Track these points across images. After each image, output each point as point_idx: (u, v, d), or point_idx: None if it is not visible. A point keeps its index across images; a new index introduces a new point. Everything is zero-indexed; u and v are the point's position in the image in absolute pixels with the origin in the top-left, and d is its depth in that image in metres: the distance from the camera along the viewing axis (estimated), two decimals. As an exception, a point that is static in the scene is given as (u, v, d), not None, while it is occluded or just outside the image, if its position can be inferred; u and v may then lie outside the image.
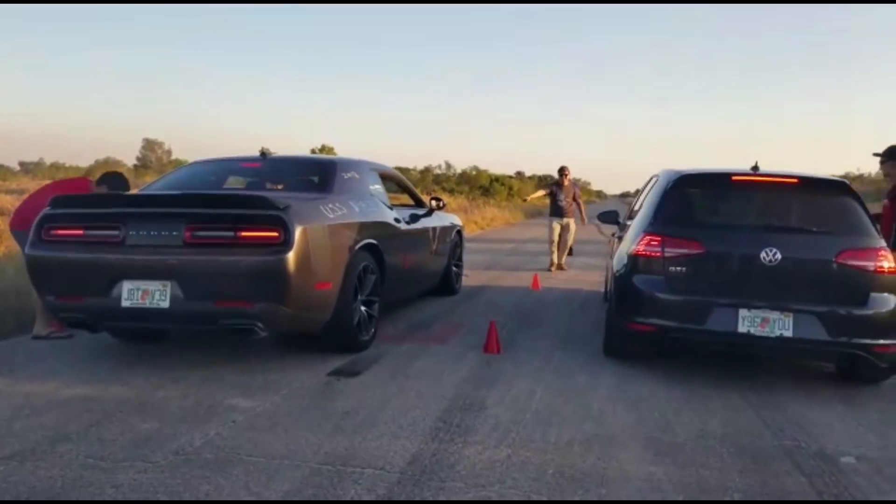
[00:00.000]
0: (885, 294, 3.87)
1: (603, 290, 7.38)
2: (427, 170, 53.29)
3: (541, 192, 11.07)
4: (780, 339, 3.82)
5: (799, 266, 3.92)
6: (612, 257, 5.54)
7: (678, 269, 4.05)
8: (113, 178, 5.07)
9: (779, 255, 3.88)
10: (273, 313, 3.73)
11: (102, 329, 4.15)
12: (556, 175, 10.46)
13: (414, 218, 5.78)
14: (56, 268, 3.84)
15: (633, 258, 4.22)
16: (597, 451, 2.92)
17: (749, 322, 3.85)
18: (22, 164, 58.33)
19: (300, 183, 4.93)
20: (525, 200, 10.92)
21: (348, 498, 2.40)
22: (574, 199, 10.28)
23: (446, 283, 6.94)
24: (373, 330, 4.65)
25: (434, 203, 6.43)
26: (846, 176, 5.32)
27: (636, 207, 5.41)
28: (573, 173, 10.53)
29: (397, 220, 5.30)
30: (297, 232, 3.71)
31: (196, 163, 5.51)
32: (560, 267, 10.19)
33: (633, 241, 4.31)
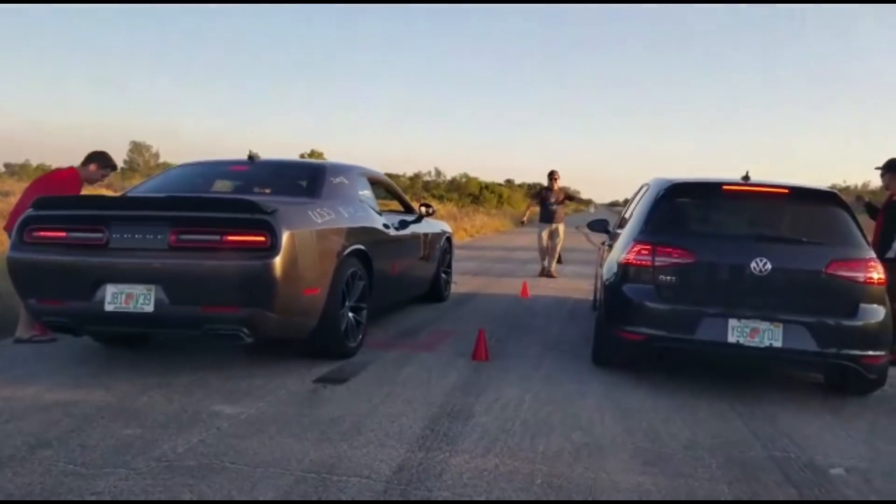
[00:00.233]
0: (875, 305, 3.89)
1: (592, 298, 7.39)
2: (417, 176, 53.36)
3: (532, 206, 10.89)
4: (770, 350, 3.82)
5: (789, 276, 3.93)
6: (601, 266, 5.54)
7: (668, 278, 4.04)
8: (99, 155, 5.03)
9: (769, 266, 3.88)
10: (259, 319, 3.68)
11: (85, 333, 4.08)
12: (545, 182, 10.47)
13: (403, 224, 5.75)
14: (38, 271, 3.77)
15: (623, 267, 4.21)
16: (585, 461, 2.89)
17: (739, 332, 3.85)
18: (7, 165, 57.78)
19: (288, 187, 4.88)
20: (523, 223, 10.82)
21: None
22: (563, 199, 10.29)
23: (435, 290, 6.91)
24: (360, 336, 4.61)
25: (423, 209, 6.40)
26: (832, 188, 5.38)
27: (626, 216, 5.42)
28: (563, 181, 10.55)
29: (386, 227, 5.26)
30: (285, 237, 3.67)
31: (183, 165, 5.45)
32: (550, 274, 10.19)
33: (623, 249, 4.30)
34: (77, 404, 3.34)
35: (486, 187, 48.24)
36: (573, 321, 6.41)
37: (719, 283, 4.02)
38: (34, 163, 56.86)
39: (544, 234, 10.29)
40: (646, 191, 4.90)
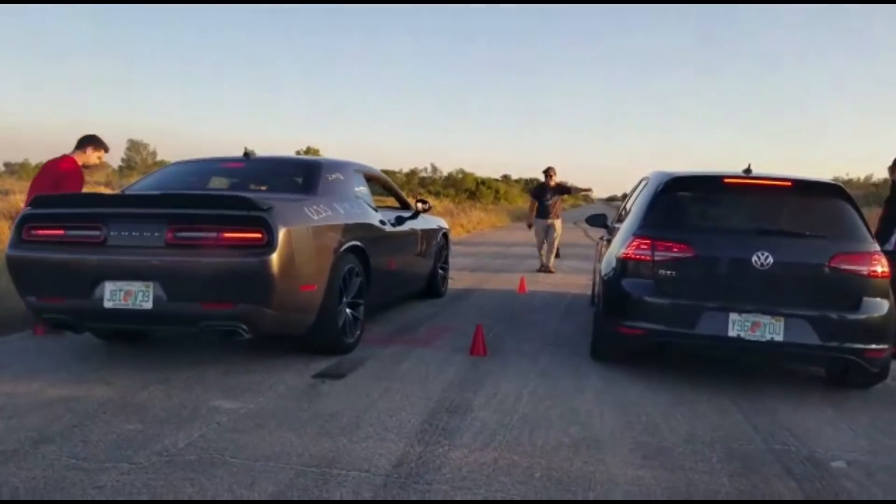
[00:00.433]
0: (878, 298, 3.87)
1: (589, 293, 7.40)
2: (413, 172, 53.27)
3: (535, 204, 10.80)
4: (771, 344, 3.81)
5: (791, 270, 3.91)
6: (599, 261, 5.54)
7: (668, 272, 4.04)
8: (92, 137, 5.10)
9: (771, 259, 3.87)
10: (257, 315, 3.68)
11: (85, 330, 4.08)
12: (542, 178, 10.47)
13: (399, 220, 5.75)
14: (37, 268, 3.76)
15: (623, 261, 4.21)
16: (584, 455, 2.90)
17: (739, 326, 3.84)
18: (7, 164, 57.60)
19: (284, 184, 4.88)
20: (530, 226, 10.67)
21: (334, 500, 2.36)
22: (557, 193, 10.26)
23: (432, 286, 6.91)
24: (358, 332, 4.61)
25: (420, 205, 6.40)
26: (835, 181, 5.38)
27: (625, 210, 5.41)
28: (560, 176, 10.54)
29: (382, 223, 5.26)
30: (281, 233, 3.67)
31: (179, 163, 5.44)
32: (548, 269, 10.21)
33: (622, 244, 4.29)
34: (79, 400, 3.34)
35: (483, 183, 48.15)
36: (571, 316, 6.41)
37: (720, 277, 4.00)
38: (33, 161, 56.72)
39: (540, 230, 10.32)
40: (645, 184, 4.89)
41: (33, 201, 3.92)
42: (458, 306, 6.68)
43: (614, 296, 4.26)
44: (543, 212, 10.20)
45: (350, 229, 4.53)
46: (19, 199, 13.48)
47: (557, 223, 10.24)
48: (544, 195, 10.24)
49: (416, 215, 6.22)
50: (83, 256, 3.69)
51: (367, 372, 4.06)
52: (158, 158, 60.43)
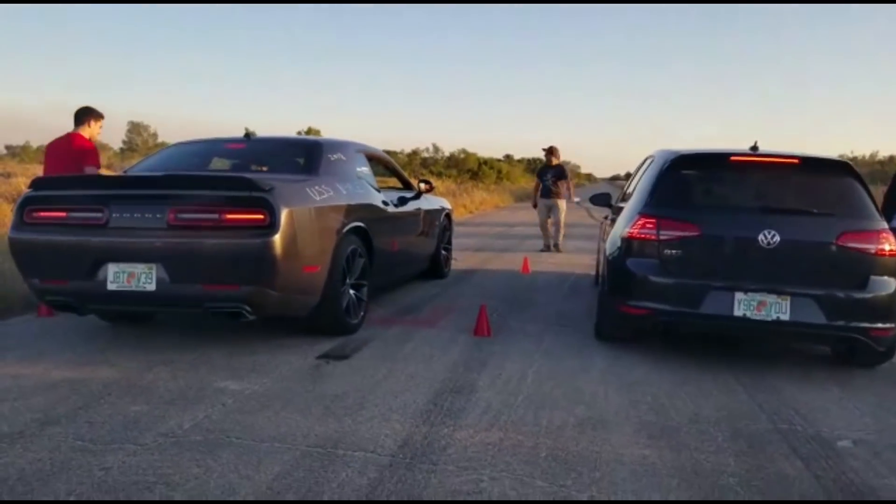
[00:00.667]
0: (885, 277, 3.83)
1: (594, 273, 7.37)
2: (415, 153, 52.99)
3: (537, 183, 10.83)
4: (777, 323, 3.79)
5: (798, 248, 3.86)
6: (603, 240, 5.51)
7: (673, 251, 4.01)
8: (89, 109, 5.16)
9: (777, 238, 3.83)
10: (260, 296, 3.67)
11: (89, 312, 4.08)
12: (545, 158, 10.44)
13: (402, 201, 5.71)
14: (39, 251, 3.75)
15: (628, 241, 4.17)
16: (589, 435, 2.89)
17: (745, 305, 3.82)
18: (9, 147, 57.40)
19: (285, 164, 4.84)
20: (535, 206, 10.77)
21: (340, 480, 2.36)
22: (565, 179, 10.27)
23: (435, 267, 6.89)
24: (362, 313, 4.60)
25: (422, 186, 6.36)
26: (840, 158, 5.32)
27: (630, 189, 5.37)
28: (564, 156, 10.51)
29: (385, 203, 5.23)
30: (283, 214, 3.65)
31: (180, 144, 5.40)
32: (556, 248, 10.27)
33: (627, 223, 4.26)
34: (84, 381, 3.35)
35: (485, 163, 47.96)
36: (575, 296, 6.40)
37: (726, 256, 3.97)
38: (35, 144, 56.58)
39: (543, 209, 10.37)
40: (650, 163, 4.84)
41: (34, 183, 3.89)
42: (462, 287, 6.67)
43: (619, 275, 4.23)
44: (545, 191, 10.26)
45: (353, 210, 4.50)
46: (21, 182, 13.46)
47: (560, 203, 10.23)
48: (546, 175, 10.30)
49: (418, 195, 6.18)
50: (85, 238, 3.68)
51: (372, 353, 4.05)
52: (159, 140, 60.23)
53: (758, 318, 3.81)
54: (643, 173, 4.90)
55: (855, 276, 3.83)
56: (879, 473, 2.66)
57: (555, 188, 10.17)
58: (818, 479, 2.58)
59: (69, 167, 4.77)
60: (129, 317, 4.58)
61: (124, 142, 60.34)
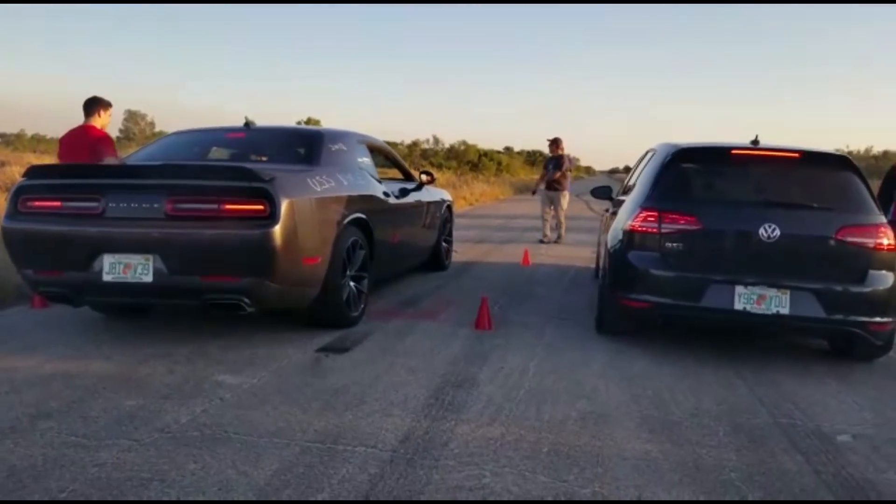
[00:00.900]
0: (883, 271, 3.84)
1: (594, 266, 7.34)
2: (415, 144, 52.84)
3: (542, 173, 10.93)
4: (777, 317, 3.78)
5: (798, 242, 3.87)
6: (604, 233, 5.48)
7: (674, 245, 3.98)
8: (98, 99, 5.18)
9: (777, 232, 3.82)
10: (259, 288, 3.64)
11: (84, 304, 4.04)
12: (545, 150, 10.55)
13: (403, 192, 5.67)
14: (34, 241, 3.71)
15: (629, 234, 4.14)
16: (591, 429, 2.88)
17: (745, 299, 3.81)
18: (3, 135, 57.07)
19: (286, 154, 4.79)
20: (533, 193, 11.02)
21: (340, 476, 2.34)
22: (560, 170, 10.29)
23: (436, 259, 6.86)
24: (362, 306, 4.57)
25: (423, 177, 6.31)
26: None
27: (631, 182, 5.33)
28: (567, 148, 10.58)
29: (386, 194, 5.19)
30: (284, 205, 3.61)
31: (178, 133, 5.35)
32: (549, 239, 10.33)
33: (629, 216, 4.23)
34: (78, 375, 3.31)
35: (485, 155, 47.88)
36: (575, 289, 6.37)
37: (727, 250, 3.96)
38: (29, 132, 56.33)
39: (544, 200, 10.51)
40: (652, 156, 4.81)
41: (29, 172, 3.84)
42: (462, 279, 6.64)
43: (620, 268, 4.21)
44: (548, 184, 10.32)
45: (354, 201, 4.46)
46: (16, 171, 13.38)
47: (561, 196, 10.28)
48: (549, 166, 10.42)
49: (419, 187, 6.14)
50: (81, 228, 3.63)
51: (372, 346, 4.03)
52: (157, 129, 59.95)
53: (758, 311, 3.80)
54: (644, 166, 4.86)
55: (854, 270, 3.82)
56: (879, 468, 2.65)
57: (556, 180, 10.21)
58: (818, 473, 2.57)
59: (85, 158, 4.77)
60: (125, 309, 4.54)
61: (121, 130, 60.00)
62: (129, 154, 5.19)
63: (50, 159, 22.83)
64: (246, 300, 3.64)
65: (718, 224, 3.98)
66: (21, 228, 3.70)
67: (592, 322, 4.76)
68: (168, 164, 4.15)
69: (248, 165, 3.92)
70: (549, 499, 2.27)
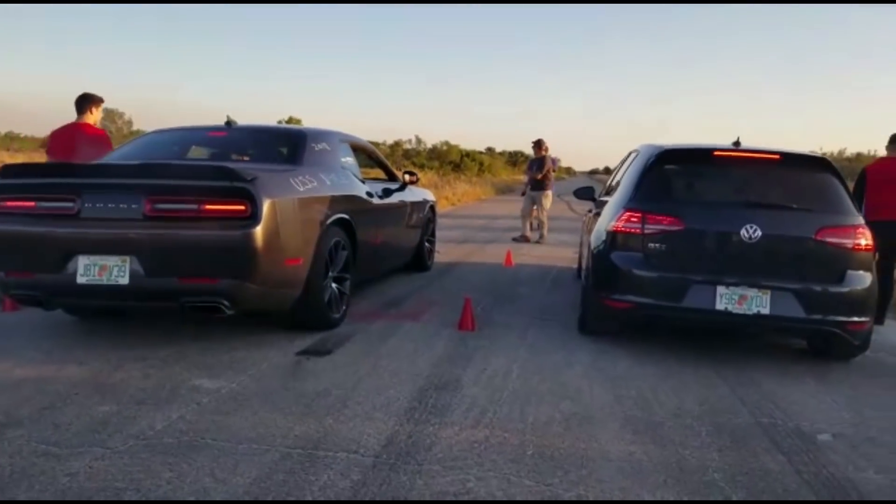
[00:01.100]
0: (861, 272, 3.88)
1: (576, 266, 7.36)
2: (397, 144, 52.71)
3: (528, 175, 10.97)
4: (758, 317, 3.80)
5: (778, 243, 3.90)
6: (587, 234, 5.48)
7: (657, 245, 3.99)
8: (90, 95, 5.18)
9: (759, 232, 3.85)
10: (240, 290, 3.57)
11: (57, 307, 3.94)
12: (527, 151, 10.68)
13: (387, 192, 5.63)
14: (5, 242, 3.60)
15: (612, 234, 4.15)
16: (575, 431, 2.86)
17: (727, 299, 3.82)
18: (-20, 135, 55.87)
19: (268, 154, 4.73)
20: (523, 194, 11.12)
21: (322, 482, 2.29)
22: (542, 171, 10.38)
23: (419, 260, 6.82)
24: (344, 307, 4.52)
25: (407, 177, 6.27)
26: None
27: (614, 183, 5.34)
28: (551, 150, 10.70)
29: (370, 195, 5.14)
30: (265, 205, 3.55)
31: (157, 132, 5.25)
32: (528, 239, 10.38)
33: (612, 217, 4.23)
34: (49, 380, 3.22)
35: (468, 155, 47.89)
36: (558, 289, 6.37)
37: (709, 251, 3.98)
38: (2, 130, 55.23)
39: (526, 201, 10.65)
40: (635, 157, 4.82)
41: (2, 171, 3.74)
42: (445, 280, 6.61)
43: (603, 269, 4.21)
44: (532, 183, 10.50)
45: (337, 201, 4.41)
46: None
47: (542, 197, 10.41)
48: (531, 167, 10.57)
49: (403, 187, 6.09)
50: (55, 229, 3.54)
51: (354, 348, 3.98)
52: (134, 128, 59.13)
53: (739, 311, 3.82)
54: (628, 167, 4.87)
55: (833, 270, 3.86)
56: (859, 467, 2.67)
57: (537, 181, 10.35)
58: (800, 473, 2.58)
59: (79, 156, 4.72)
60: (99, 312, 4.44)
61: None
62: (106, 153, 5.09)
63: (23, 158, 22.42)
64: (226, 302, 3.57)
65: (701, 225, 4.00)
66: None
67: (575, 322, 4.76)
68: (147, 163, 4.07)
69: (230, 165, 3.85)
70: (536, 499, 2.24)
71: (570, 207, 18.63)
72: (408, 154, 48.79)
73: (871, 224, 4.07)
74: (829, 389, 3.64)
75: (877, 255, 4.21)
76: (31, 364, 3.48)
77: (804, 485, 2.48)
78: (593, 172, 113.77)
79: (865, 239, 3.89)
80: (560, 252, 9.20)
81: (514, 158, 66.00)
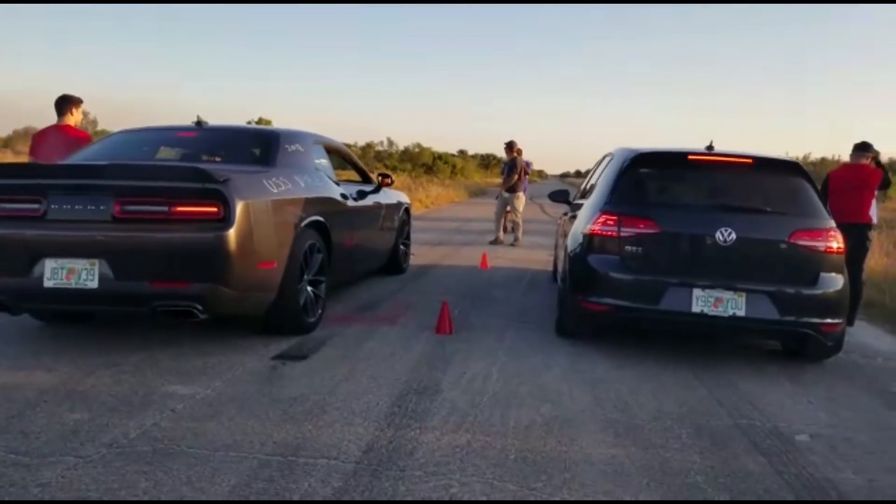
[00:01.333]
0: (833, 274, 3.96)
1: (551, 269, 7.38)
2: (369, 146, 52.52)
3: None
4: (733, 319, 3.85)
5: (753, 246, 3.95)
6: (562, 237, 5.50)
7: (634, 248, 4.02)
8: (69, 97, 5.15)
9: (733, 236, 3.89)
10: (213, 294, 3.49)
11: (23, 311, 3.82)
12: (500, 154, 10.79)
13: (361, 194, 5.57)
14: None
15: (589, 237, 4.16)
16: (557, 434, 2.85)
17: (703, 302, 3.86)
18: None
19: (240, 155, 4.63)
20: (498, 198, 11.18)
21: (302, 491, 2.24)
22: (512, 172, 10.42)
23: (394, 262, 6.77)
24: (319, 311, 4.45)
25: (382, 179, 6.22)
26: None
27: (587, 186, 5.37)
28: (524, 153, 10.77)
29: (344, 197, 5.08)
30: (239, 207, 3.48)
31: (125, 131, 5.12)
32: (500, 242, 10.41)
33: (588, 220, 4.25)
34: (17, 387, 3.10)
35: (440, 158, 47.96)
36: (534, 292, 6.38)
37: (685, 253, 4.02)
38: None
39: (499, 203, 10.70)
40: (609, 161, 4.85)
41: None
42: (421, 282, 6.57)
43: (580, 272, 4.22)
44: (505, 184, 10.58)
45: (311, 203, 4.34)
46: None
47: (515, 198, 10.47)
48: (504, 170, 10.63)
49: (377, 189, 6.04)
50: (20, 231, 3.43)
51: (331, 352, 3.92)
52: (99, 127, 57.83)
53: (715, 314, 3.86)
54: (603, 171, 4.90)
55: (806, 272, 3.93)
56: (837, 467, 2.70)
57: (510, 183, 10.42)
58: (780, 474, 2.61)
59: (65, 157, 4.61)
60: (67, 316, 4.31)
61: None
62: (73, 153, 4.95)
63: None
64: (198, 307, 3.48)
65: (676, 228, 4.03)
66: None
67: (553, 325, 4.76)
68: (115, 163, 3.96)
69: (201, 166, 3.77)
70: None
71: (543, 210, 18.75)
72: (380, 156, 48.65)
73: None
74: (805, 390, 3.69)
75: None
76: (-5, 371, 3.35)
77: (785, 486, 2.51)
78: (564, 175, 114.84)
79: (837, 242, 3.97)
80: (535, 255, 9.24)
81: (486, 161, 66.28)
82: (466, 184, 35.74)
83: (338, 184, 5.16)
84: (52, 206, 3.42)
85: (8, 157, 22.51)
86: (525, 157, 11.03)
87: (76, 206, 3.42)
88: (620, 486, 2.42)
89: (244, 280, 3.62)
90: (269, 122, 32.86)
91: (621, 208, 4.12)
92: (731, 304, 3.86)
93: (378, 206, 6.01)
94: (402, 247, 6.96)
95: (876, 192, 5.60)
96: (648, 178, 4.44)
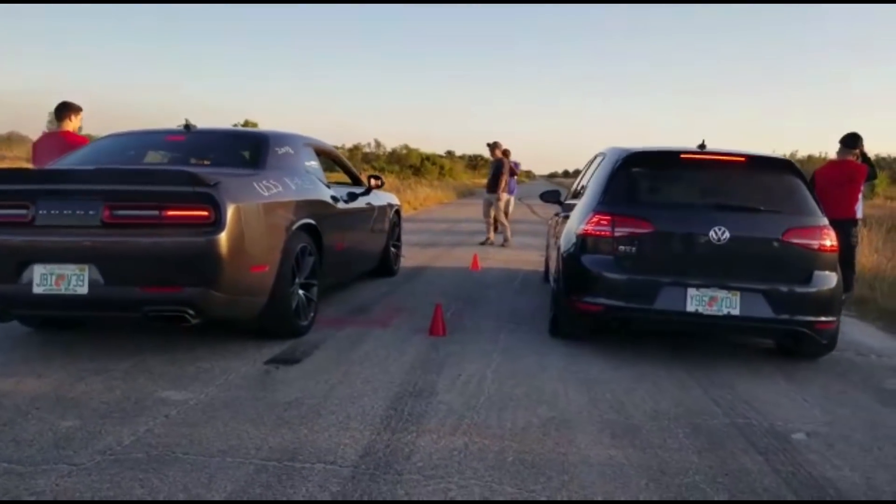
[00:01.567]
0: (827, 272, 3.97)
1: (542, 269, 7.38)
2: (356, 148, 52.38)
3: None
4: (728, 318, 3.85)
5: (746, 245, 3.95)
6: (554, 237, 5.50)
7: (627, 248, 4.02)
8: (68, 104, 5.21)
9: (727, 234, 3.90)
10: (204, 299, 3.45)
11: (12, 318, 3.76)
12: (486, 154, 10.81)
13: (352, 196, 5.54)
14: None
15: (582, 237, 4.16)
16: (554, 436, 2.84)
17: (697, 301, 3.86)
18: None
19: (230, 158, 4.59)
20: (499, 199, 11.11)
21: (300, 496, 2.21)
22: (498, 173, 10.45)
23: (385, 264, 6.74)
24: (312, 314, 4.42)
25: (372, 181, 6.19)
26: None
27: (579, 187, 5.37)
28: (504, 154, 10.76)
29: (335, 199, 5.05)
30: (229, 211, 3.44)
31: (113, 135, 5.06)
32: (490, 242, 10.42)
33: (581, 220, 4.24)
34: (7, 395, 3.05)
35: (428, 159, 47.93)
36: (526, 293, 6.38)
37: (679, 253, 4.02)
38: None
39: (485, 203, 10.74)
40: (601, 160, 4.85)
41: None
42: (413, 284, 6.55)
43: (574, 272, 4.22)
44: (488, 185, 10.62)
45: (302, 206, 4.31)
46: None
47: (493, 198, 10.54)
48: (490, 170, 10.71)
49: (368, 191, 6.02)
50: (8, 237, 3.38)
51: (324, 356, 3.89)
52: (84, 132, 57.23)
53: (709, 313, 3.87)
54: (595, 171, 4.90)
55: (800, 271, 3.94)
56: (835, 465, 2.71)
57: (495, 183, 10.48)
58: (779, 473, 2.61)
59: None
60: (57, 322, 4.25)
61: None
62: (59, 158, 4.88)
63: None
64: (190, 311, 3.45)
65: (670, 227, 4.03)
66: None
67: (546, 326, 4.75)
68: (105, 168, 3.91)
69: (192, 169, 3.73)
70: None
71: (532, 211, 18.78)
72: (367, 158, 48.53)
73: None
74: (800, 388, 3.70)
75: None
76: (-17, 379, 3.29)
77: (783, 484, 2.51)
78: (552, 176, 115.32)
79: (830, 240, 3.98)
80: (525, 255, 9.24)
81: (474, 162, 66.35)
82: (455, 185, 35.75)
83: (328, 186, 5.12)
84: (41, 212, 3.37)
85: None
86: (517, 158, 11.09)
87: (65, 212, 3.37)
88: (620, 486, 2.41)
89: (236, 284, 3.59)
90: (255, 125, 32.72)
91: (614, 208, 4.12)
92: (725, 303, 3.86)
93: (369, 208, 5.99)
94: (392, 249, 6.94)
95: (862, 188, 5.65)
96: (641, 177, 4.44)
